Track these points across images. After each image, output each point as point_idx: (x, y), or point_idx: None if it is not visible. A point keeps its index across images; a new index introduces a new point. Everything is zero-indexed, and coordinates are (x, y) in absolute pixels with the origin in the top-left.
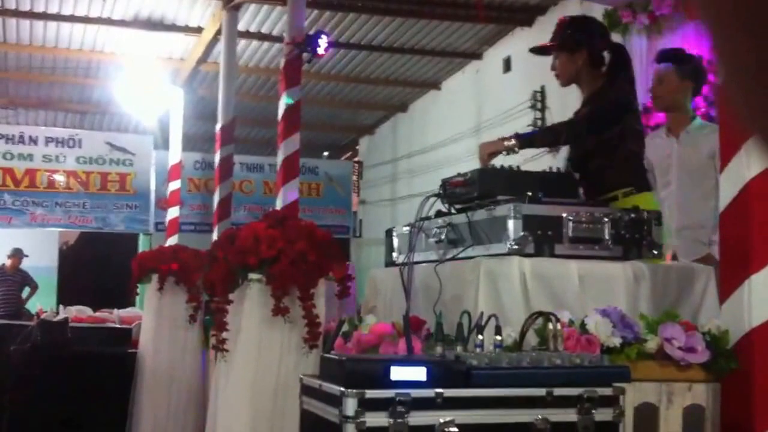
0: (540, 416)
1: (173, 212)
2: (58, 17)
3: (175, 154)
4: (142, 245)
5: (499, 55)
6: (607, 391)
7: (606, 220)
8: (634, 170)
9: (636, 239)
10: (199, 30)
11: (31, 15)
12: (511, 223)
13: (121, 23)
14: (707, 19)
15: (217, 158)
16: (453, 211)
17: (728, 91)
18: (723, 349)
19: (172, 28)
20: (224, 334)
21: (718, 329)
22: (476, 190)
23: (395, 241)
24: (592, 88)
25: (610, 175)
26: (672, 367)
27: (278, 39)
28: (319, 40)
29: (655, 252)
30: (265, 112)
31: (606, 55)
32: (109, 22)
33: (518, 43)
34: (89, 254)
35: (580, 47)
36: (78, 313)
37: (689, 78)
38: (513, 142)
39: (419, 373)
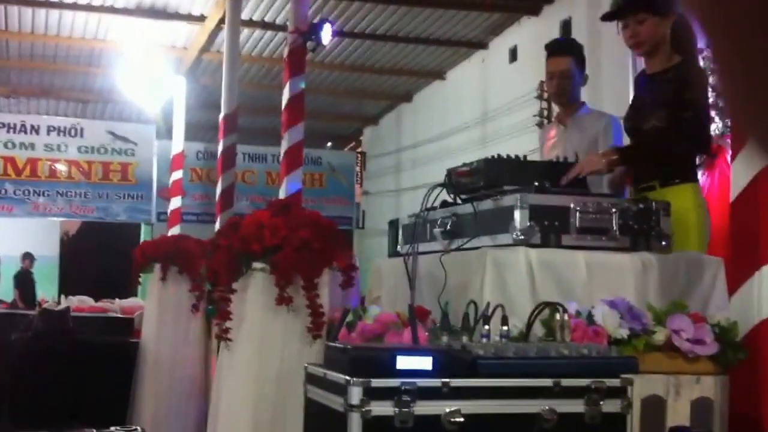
0: (547, 407)
1: (175, 202)
2: (61, 5)
3: (177, 144)
4: (144, 235)
5: (505, 45)
6: (614, 383)
7: (614, 210)
8: (680, 160)
9: (644, 230)
10: (202, 18)
11: (33, 3)
12: (517, 213)
13: (124, 11)
14: (699, 19)
15: (219, 148)
16: (458, 201)
17: (724, 92)
18: (732, 341)
19: (175, 16)
20: (227, 324)
21: (727, 321)
22: (482, 180)
23: (400, 232)
24: (665, 62)
25: (654, 164)
26: (680, 359)
27: (282, 27)
28: (324, 29)
29: (664, 243)
30: (268, 101)
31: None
32: (111, 10)
33: (524, 32)
34: (91, 244)
35: (671, 11)
36: (79, 303)
37: (582, 69)
38: (615, 157)
39: (425, 363)
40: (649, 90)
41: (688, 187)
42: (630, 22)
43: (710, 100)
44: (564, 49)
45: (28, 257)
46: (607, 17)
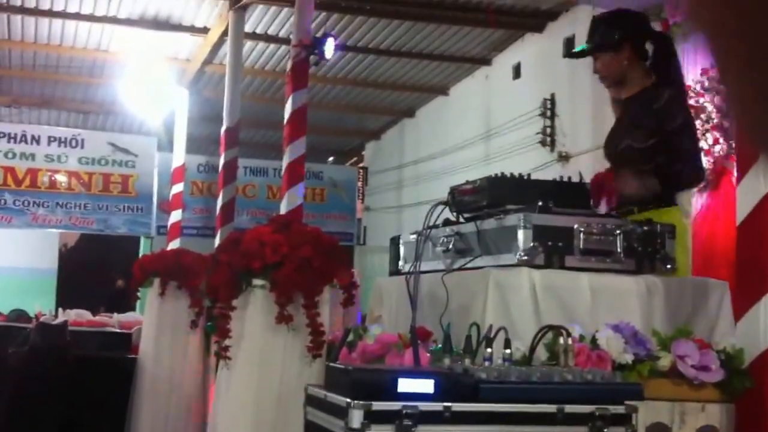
0: None
1: (176, 215)
2: (64, 15)
3: (178, 157)
4: (144, 249)
5: (509, 62)
6: (619, 410)
7: (618, 232)
8: (658, 183)
9: (649, 252)
10: (205, 30)
11: (37, 12)
12: (520, 233)
13: (127, 22)
14: (703, 28)
15: (221, 161)
16: (461, 219)
17: (730, 102)
18: (738, 369)
19: (179, 27)
20: (227, 342)
21: (733, 347)
22: (485, 199)
23: (401, 250)
24: (638, 86)
25: (631, 187)
26: (685, 385)
27: (285, 41)
28: (327, 43)
29: (669, 266)
30: (270, 114)
31: (649, 46)
32: (114, 20)
33: (528, 49)
34: (89, 257)
35: (624, 44)
36: (77, 316)
37: None
38: None
39: (427, 386)
40: (625, 113)
41: (669, 211)
42: (593, 60)
43: (688, 119)
44: None
45: (121, 277)
46: (570, 56)
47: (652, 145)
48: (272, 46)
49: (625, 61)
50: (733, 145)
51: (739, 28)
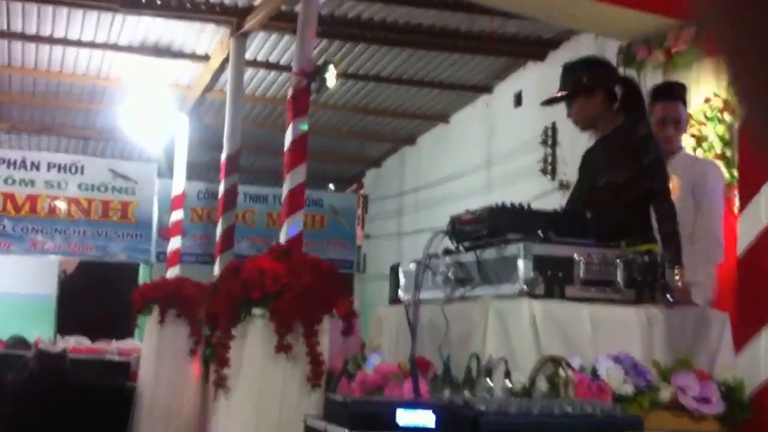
0: None
1: (175, 242)
2: (64, 41)
3: (178, 184)
4: (143, 275)
5: (510, 90)
6: None
7: (618, 262)
8: (640, 218)
9: (649, 283)
10: (206, 57)
11: (37, 39)
12: (521, 263)
13: (128, 49)
14: (722, 45)
15: (221, 188)
16: (461, 249)
17: (747, 120)
18: (738, 400)
19: (179, 54)
20: (225, 370)
21: (734, 379)
22: (486, 228)
23: (401, 278)
24: (610, 126)
25: (615, 223)
26: (685, 417)
27: (286, 68)
28: (328, 71)
29: (669, 297)
30: (270, 141)
31: (618, 89)
32: (115, 47)
33: (530, 77)
34: (88, 283)
35: (596, 88)
36: (76, 343)
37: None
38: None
39: (427, 418)
40: (601, 151)
41: (651, 248)
42: (567, 104)
43: (659, 157)
44: (680, 94)
45: None
46: (547, 104)
47: (626, 182)
48: (273, 73)
49: (598, 105)
50: (736, 174)
51: (751, 40)
